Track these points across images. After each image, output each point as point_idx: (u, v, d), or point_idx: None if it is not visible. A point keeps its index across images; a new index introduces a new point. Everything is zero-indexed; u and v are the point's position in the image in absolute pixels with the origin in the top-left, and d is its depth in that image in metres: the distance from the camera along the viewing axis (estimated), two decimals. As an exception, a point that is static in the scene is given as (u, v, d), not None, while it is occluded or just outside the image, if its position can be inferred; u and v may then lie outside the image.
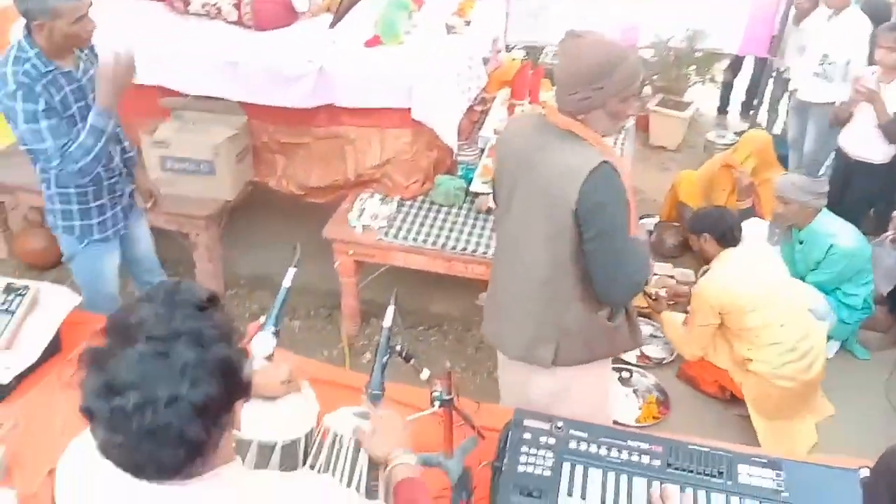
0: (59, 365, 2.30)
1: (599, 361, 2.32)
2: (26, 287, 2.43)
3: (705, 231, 3.32)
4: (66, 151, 2.54)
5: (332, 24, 3.79)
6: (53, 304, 2.44)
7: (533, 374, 2.28)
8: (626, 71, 1.98)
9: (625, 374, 3.67)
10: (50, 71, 2.54)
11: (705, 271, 3.44)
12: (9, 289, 2.42)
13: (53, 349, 2.35)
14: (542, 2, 5.61)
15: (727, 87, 6.48)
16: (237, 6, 3.71)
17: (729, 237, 3.28)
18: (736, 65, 6.31)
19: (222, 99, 3.88)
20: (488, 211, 3.75)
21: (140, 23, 3.78)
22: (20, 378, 2.23)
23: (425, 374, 1.91)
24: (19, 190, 4.03)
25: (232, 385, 1.10)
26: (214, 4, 3.76)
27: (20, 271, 4.23)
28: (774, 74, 5.74)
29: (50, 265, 4.26)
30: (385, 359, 1.84)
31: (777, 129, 5.95)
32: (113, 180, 2.88)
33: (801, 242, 3.75)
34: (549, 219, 2.06)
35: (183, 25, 3.80)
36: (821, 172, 4.70)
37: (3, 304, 2.38)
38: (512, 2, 5.40)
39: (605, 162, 1.97)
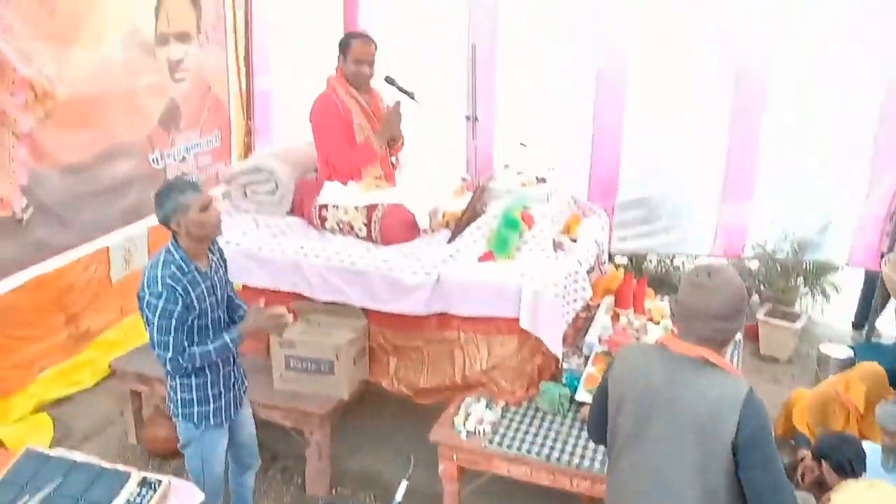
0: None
1: None
2: (159, 482, 2.62)
3: (823, 457, 3.18)
4: (185, 352, 2.92)
5: (450, 240, 4.12)
6: (180, 500, 2.62)
7: None
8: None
9: None
10: (190, 271, 2.95)
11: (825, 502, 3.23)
12: (143, 482, 2.63)
13: (177, 545, 2.49)
14: (645, 215, 5.89)
15: (864, 301, 5.97)
16: (367, 224, 4.13)
17: (846, 467, 3.10)
18: (872, 276, 5.82)
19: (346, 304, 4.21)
20: (583, 422, 3.73)
21: (285, 237, 4.29)
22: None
23: None
24: (156, 381, 4.38)
25: None
26: (347, 222, 4.19)
27: (144, 457, 4.49)
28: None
29: (172, 453, 4.50)
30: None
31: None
32: (227, 370, 3.20)
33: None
34: (702, 451, 2.08)
35: (319, 240, 4.25)
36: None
37: (137, 496, 2.57)
38: (616, 216, 5.69)
39: (751, 388, 2.07)
